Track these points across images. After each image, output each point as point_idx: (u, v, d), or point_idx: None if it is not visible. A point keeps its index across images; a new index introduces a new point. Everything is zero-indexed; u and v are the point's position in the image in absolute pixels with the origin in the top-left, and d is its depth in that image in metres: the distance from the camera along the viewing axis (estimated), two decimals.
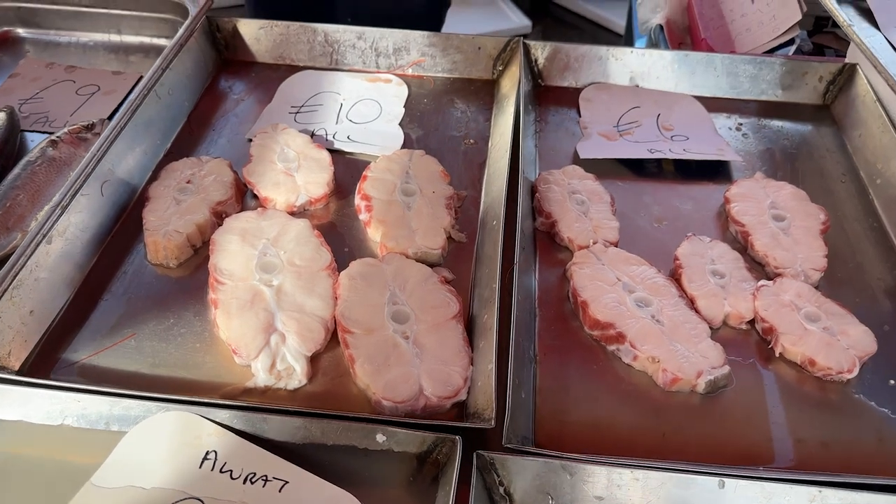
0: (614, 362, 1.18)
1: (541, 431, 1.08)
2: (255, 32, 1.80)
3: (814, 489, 0.93)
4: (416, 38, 1.76)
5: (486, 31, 5.01)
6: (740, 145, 1.62)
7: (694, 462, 1.03)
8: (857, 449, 1.07)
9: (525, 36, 2.03)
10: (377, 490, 0.98)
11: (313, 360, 1.14)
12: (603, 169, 1.53)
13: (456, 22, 5.21)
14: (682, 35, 2.13)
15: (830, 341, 1.16)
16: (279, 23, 1.80)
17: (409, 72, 1.78)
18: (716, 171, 1.54)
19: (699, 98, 1.71)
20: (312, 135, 1.58)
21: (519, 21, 5.05)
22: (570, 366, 1.17)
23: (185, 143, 1.58)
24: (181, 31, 1.63)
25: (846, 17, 1.57)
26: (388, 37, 1.77)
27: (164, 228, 1.29)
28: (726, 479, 0.94)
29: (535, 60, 1.74)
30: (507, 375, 1.03)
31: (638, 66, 1.73)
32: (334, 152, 1.54)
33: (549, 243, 1.38)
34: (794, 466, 1.05)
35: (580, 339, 1.22)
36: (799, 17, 1.87)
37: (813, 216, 1.38)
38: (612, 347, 1.18)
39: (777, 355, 1.18)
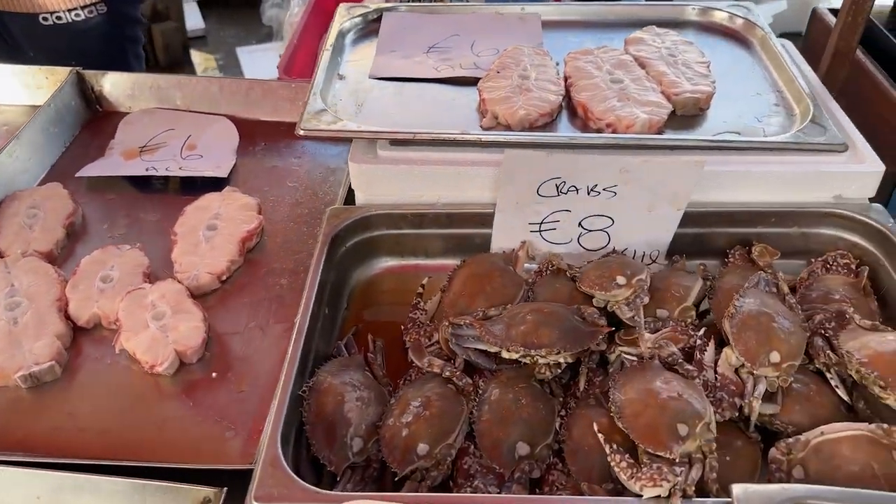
0: None
1: None
2: None
3: None
4: None
5: None
6: (255, 163, 1.73)
7: None
8: (141, 435, 1.16)
9: None
10: None
11: None
12: (113, 186, 1.65)
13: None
14: None
15: (159, 337, 1.25)
16: None
17: None
18: (216, 186, 1.64)
19: (245, 120, 1.83)
20: None
21: None
22: None
23: None
24: None
25: (330, 42, 1.70)
26: None
27: None
28: None
29: (92, 88, 1.86)
30: None
31: (188, 92, 1.85)
32: None
33: None
34: (97, 455, 1.13)
35: None
36: None
37: (245, 224, 1.48)
38: None
39: (118, 351, 1.27)
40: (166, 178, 1.68)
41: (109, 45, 2.56)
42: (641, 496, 0.93)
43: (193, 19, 5.53)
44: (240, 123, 1.82)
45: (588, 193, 1.30)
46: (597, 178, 1.27)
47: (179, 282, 1.38)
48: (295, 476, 0.96)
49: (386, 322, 1.35)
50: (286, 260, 1.47)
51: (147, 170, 1.66)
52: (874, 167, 1.37)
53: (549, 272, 1.37)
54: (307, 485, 0.95)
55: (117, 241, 1.50)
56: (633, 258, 1.40)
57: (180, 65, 5.32)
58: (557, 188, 1.29)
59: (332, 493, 0.98)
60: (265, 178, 1.68)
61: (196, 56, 5.44)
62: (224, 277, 1.41)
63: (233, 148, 1.75)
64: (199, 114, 1.84)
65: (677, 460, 0.95)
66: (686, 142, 1.37)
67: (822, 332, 1.16)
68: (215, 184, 1.65)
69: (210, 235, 1.46)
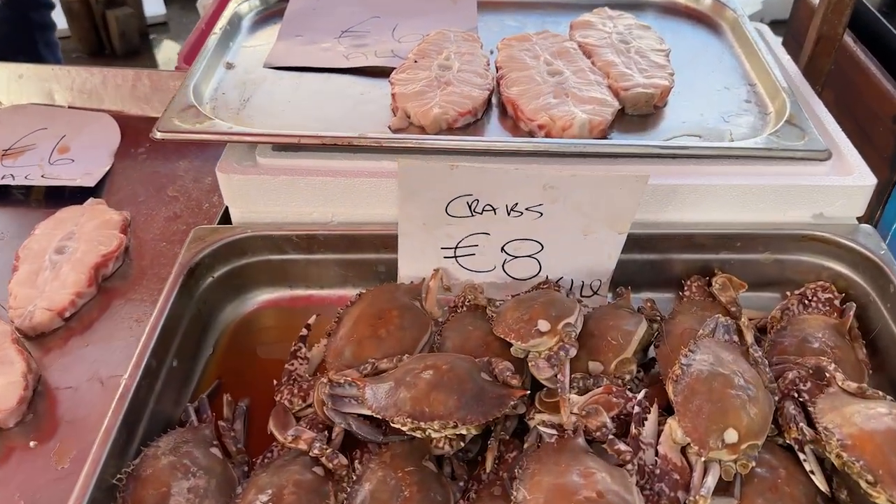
0: None
1: None
2: None
3: None
4: None
5: None
6: (135, 168, 1.46)
7: None
8: None
9: None
10: None
11: None
12: None
13: None
14: None
15: None
16: None
17: None
18: (86, 196, 1.39)
19: (131, 116, 1.56)
20: None
21: None
22: None
23: None
24: None
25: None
26: None
27: None
28: None
29: None
30: None
31: (67, 85, 1.58)
32: None
33: None
34: None
35: None
36: None
37: (102, 246, 1.21)
38: None
39: None
40: (29, 187, 1.42)
41: (14, 33, 2.30)
42: None
43: (154, 5, 5.22)
44: (125, 121, 1.55)
45: (508, 214, 1.04)
46: (516, 195, 1.01)
47: (11, 320, 1.12)
48: None
49: (267, 370, 1.10)
50: (149, 289, 1.20)
51: (3, 178, 1.40)
52: (863, 180, 1.12)
53: (465, 308, 1.12)
54: None
55: None
56: (570, 290, 1.15)
57: (138, 53, 5.01)
58: (470, 207, 1.04)
59: None
60: (143, 186, 1.42)
61: (159, 43, 5.15)
62: (67, 314, 1.15)
63: (111, 151, 1.48)
64: (79, 110, 1.57)
65: None
66: (632, 148, 1.12)
67: (796, 394, 0.91)
68: (86, 194, 1.39)
69: (57, 261, 1.20)
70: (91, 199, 1.33)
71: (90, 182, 1.39)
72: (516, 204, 1.02)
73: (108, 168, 1.44)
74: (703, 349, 0.91)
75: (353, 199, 1.14)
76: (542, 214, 1.04)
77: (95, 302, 1.20)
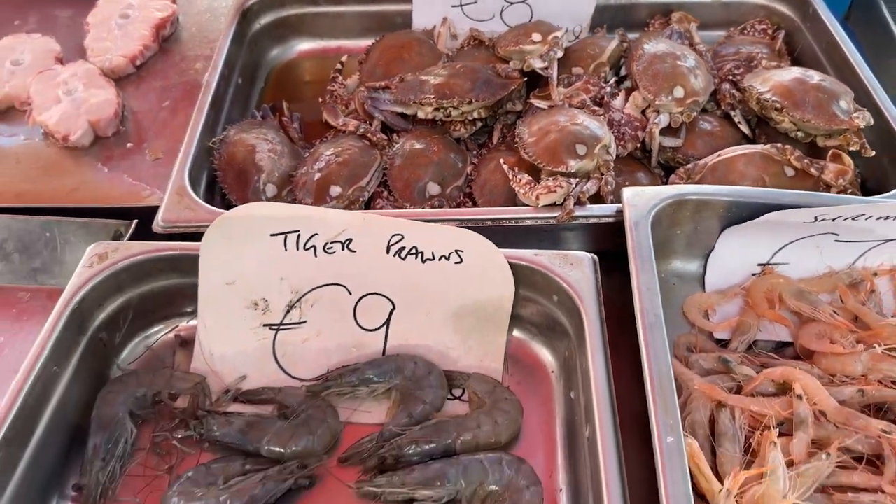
0: None
1: None
2: None
3: None
4: None
5: None
6: None
7: None
8: (55, 196, 1.14)
9: None
10: None
11: None
12: None
13: None
14: None
15: (71, 110, 1.22)
16: None
17: None
18: None
19: None
20: None
21: None
22: None
23: None
24: None
25: None
26: None
27: None
28: None
29: None
30: None
31: None
32: None
33: None
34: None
35: None
36: None
37: (159, 12, 1.42)
38: None
39: (31, 126, 1.25)
40: None
41: None
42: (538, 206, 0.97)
43: None
44: None
45: None
46: None
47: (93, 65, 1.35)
48: (202, 201, 0.97)
49: (312, 97, 1.33)
50: (201, 48, 1.42)
51: None
52: None
53: (470, 45, 1.36)
54: (214, 207, 0.97)
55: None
56: None
57: None
58: None
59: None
60: None
61: None
62: (138, 62, 1.37)
63: None
64: None
65: (573, 171, 0.98)
66: None
67: (731, 77, 1.18)
68: None
69: (123, 23, 1.41)
70: None
71: None
72: None
73: None
74: (660, 41, 1.17)
75: None
76: None
77: (158, 57, 1.42)
